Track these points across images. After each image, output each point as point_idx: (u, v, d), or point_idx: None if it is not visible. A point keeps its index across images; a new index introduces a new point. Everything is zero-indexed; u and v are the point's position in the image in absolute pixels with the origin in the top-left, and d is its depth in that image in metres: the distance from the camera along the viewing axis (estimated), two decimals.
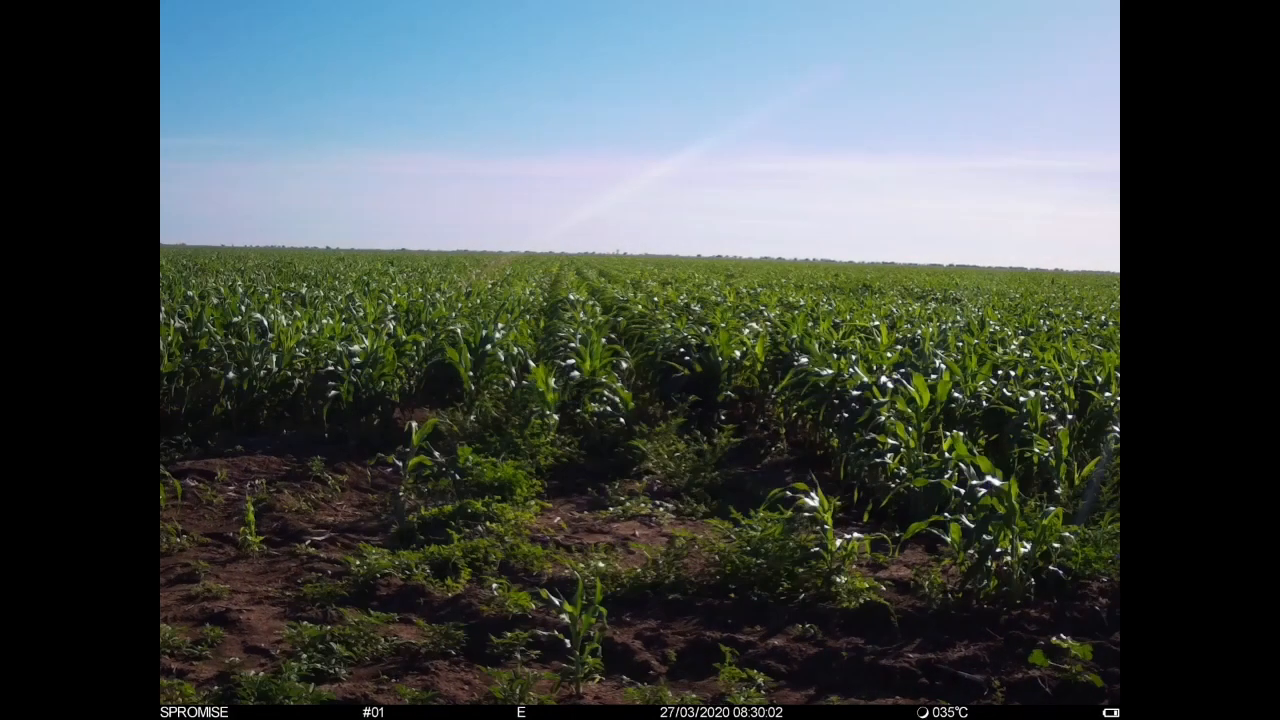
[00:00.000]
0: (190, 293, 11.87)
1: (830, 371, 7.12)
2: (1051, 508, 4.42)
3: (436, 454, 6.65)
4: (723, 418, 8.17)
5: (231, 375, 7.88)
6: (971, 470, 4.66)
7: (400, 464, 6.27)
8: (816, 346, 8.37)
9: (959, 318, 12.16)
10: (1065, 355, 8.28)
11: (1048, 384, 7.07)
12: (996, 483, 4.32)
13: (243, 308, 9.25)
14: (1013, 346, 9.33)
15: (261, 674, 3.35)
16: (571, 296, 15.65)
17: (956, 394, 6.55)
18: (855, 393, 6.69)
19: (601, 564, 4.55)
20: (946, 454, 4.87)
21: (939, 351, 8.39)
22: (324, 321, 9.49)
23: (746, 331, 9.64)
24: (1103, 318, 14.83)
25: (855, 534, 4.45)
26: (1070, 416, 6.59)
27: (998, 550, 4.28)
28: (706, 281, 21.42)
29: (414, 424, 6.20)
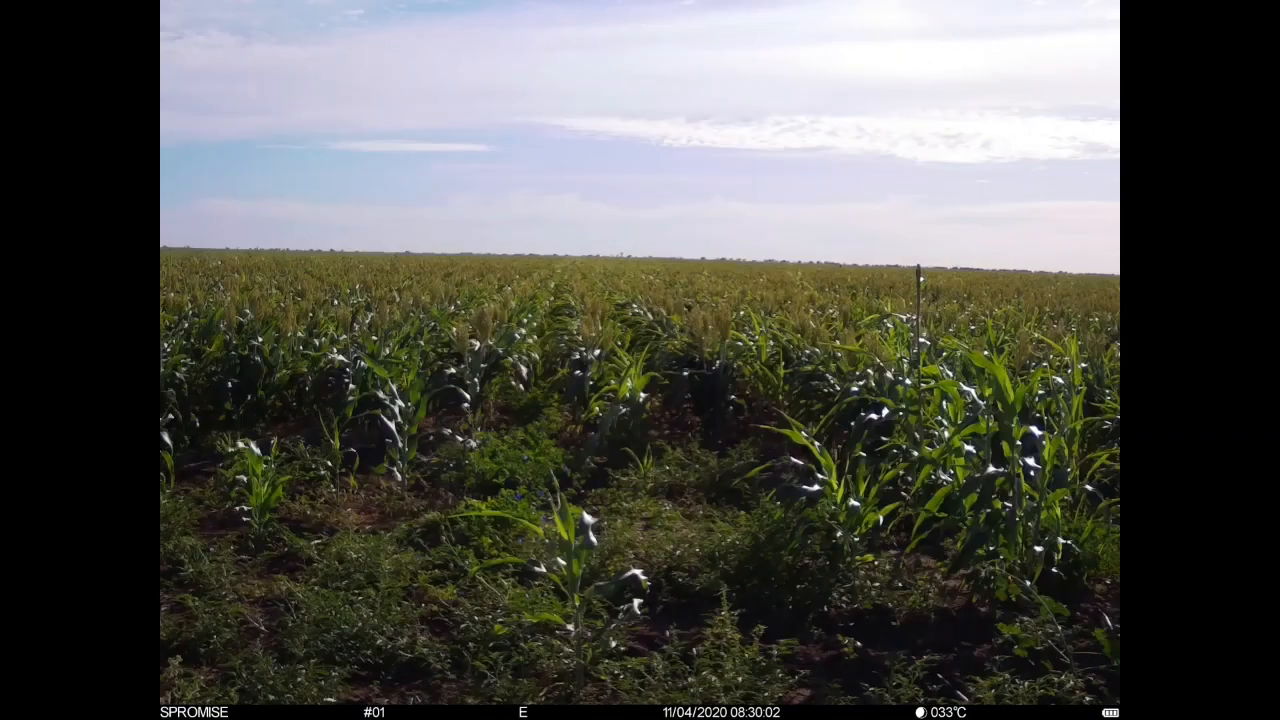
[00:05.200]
0: (199, 296, 11.91)
1: (836, 379, 7.10)
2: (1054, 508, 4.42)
3: (442, 457, 6.67)
4: (729, 412, 8.18)
5: (238, 379, 7.93)
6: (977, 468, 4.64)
7: (401, 464, 6.30)
8: (824, 350, 8.35)
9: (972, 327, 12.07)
10: (1069, 356, 8.22)
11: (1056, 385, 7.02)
12: (993, 471, 4.30)
13: (248, 312, 9.25)
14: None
15: (262, 671, 3.36)
16: (577, 301, 15.65)
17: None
18: (855, 387, 6.66)
19: (604, 564, 4.55)
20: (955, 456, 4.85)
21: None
22: (330, 327, 9.50)
23: (753, 335, 9.62)
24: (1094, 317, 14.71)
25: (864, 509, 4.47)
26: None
27: (1001, 556, 4.28)
28: (712, 285, 21.40)
29: (414, 425, 6.22)
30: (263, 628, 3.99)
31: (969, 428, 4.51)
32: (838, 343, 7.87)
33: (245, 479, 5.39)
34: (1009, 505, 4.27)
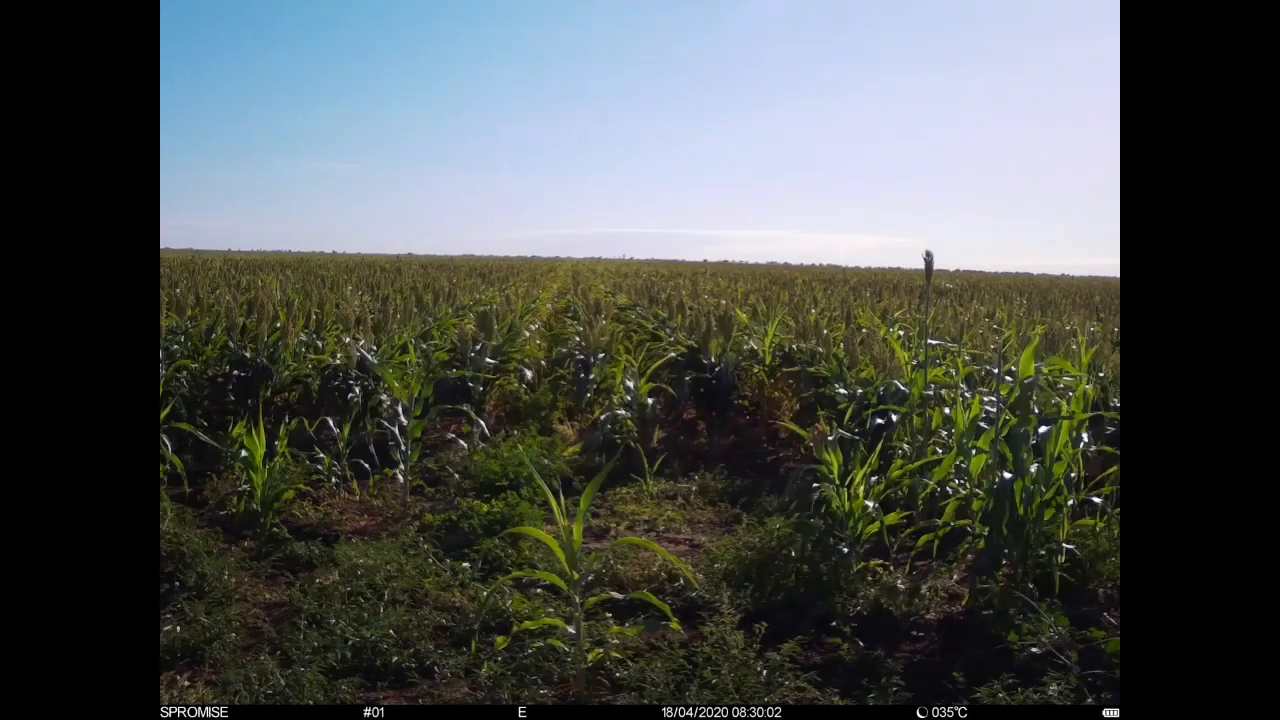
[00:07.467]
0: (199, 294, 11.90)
1: (841, 382, 7.07)
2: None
3: (445, 459, 6.68)
4: (733, 414, 8.15)
5: (241, 382, 7.94)
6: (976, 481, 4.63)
7: (404, 466, 6.30)
8: (828, 352, 8.32)
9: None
10: (1076, 358, 8.20)
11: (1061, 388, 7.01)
12: (1008, 476, 4.28)
13: (253, 315, 9.25)
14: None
15: (266, 676, 3.36)
16: (580, 303, 15.64)
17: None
18: (859, 391, 6.65)
19: (606, 568, 4.54)
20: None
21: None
22: (334, 331, 9.49)
23: (757, 337, 9.60)
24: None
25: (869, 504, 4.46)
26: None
27: (1001, 557, 4.27)
28: (715, 287, 21.37)
29: (415, 426, 6.22)
30: (266, 632, 3.99)
31: (977, 429, 4.49)
32: (842, 346, 7.86)
33: (248, 482, 5.39)
34: (1014, 513, 4.25)
